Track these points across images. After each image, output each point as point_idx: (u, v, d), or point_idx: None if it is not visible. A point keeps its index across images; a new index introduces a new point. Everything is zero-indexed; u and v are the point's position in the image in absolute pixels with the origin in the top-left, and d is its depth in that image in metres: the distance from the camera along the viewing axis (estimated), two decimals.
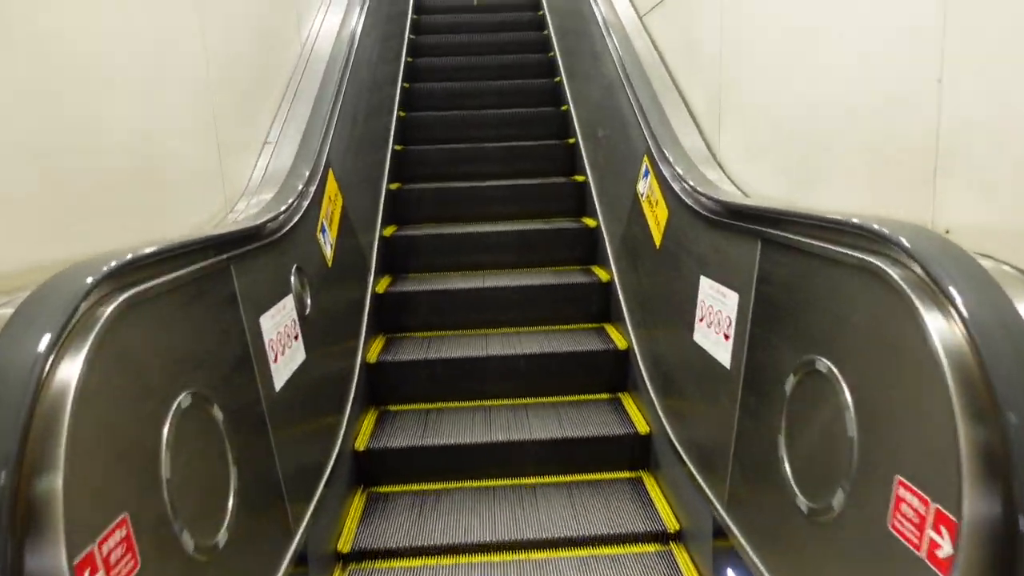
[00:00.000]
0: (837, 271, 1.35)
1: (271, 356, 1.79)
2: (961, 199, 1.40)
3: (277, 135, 2.58)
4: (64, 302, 0.97)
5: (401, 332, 3.55)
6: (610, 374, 3.23)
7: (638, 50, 3.24)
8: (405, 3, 5.70)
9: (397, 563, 2.42)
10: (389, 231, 3.85)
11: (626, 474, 2.87)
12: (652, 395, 2.75)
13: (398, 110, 4.67)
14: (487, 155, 4.45)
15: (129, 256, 1.15)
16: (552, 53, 5.37)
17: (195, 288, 1.42)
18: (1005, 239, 1.27)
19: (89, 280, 1.03)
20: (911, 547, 1.07)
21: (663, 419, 2.60)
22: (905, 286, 1.10)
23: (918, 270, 1.11)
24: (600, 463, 2.87)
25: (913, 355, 1.08)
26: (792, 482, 1.49)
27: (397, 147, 4.46)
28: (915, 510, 1.06)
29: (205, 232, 1.54)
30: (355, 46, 3.30)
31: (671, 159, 2.51)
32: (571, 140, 4.52)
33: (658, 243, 2.66)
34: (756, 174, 2.31)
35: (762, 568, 1.65)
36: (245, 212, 2.14)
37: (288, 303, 1.99)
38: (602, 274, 3.63)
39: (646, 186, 2.81)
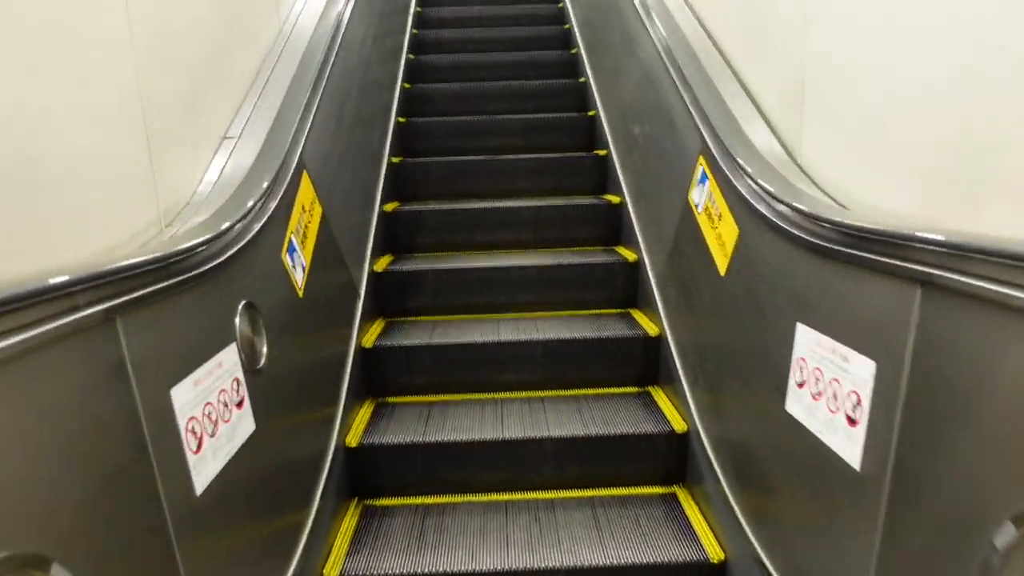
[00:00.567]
0: None
1: (189, 445, 1.23)
2: None
3: (241, 129, 2.02)
4: None
5: (403, 316, 3.16)
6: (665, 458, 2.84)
7: (683, 28, 2.69)
8: None
9: None
10: (391, 207, 3.45)
11: (659, 489, 2.50)
12: (724, 486, 2.11)
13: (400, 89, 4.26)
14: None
15: None
16: (576, 50, 4.79)
17: (36, 364, 0.88)
18: None
19: None
20: None
21: (748, 533, 1.92)
22: None
23: None
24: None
25: None
26: None
27: (400, 119, 4.05)
28: None
29: (65, 268, 0.94)
30: (346, 20, 2.85)
31: (743, 162, 1.89)
32: (602, 152, 3.83)
33: (723, 269, 2.04)
34: (864, 182, 1.65)
35: None
36: (187, 229, 1.55)
37: (227, 358, 1.42)
38: (650, 327, 2.91)
39: (703, 195, 2.22)
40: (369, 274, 2.97)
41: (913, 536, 1.14)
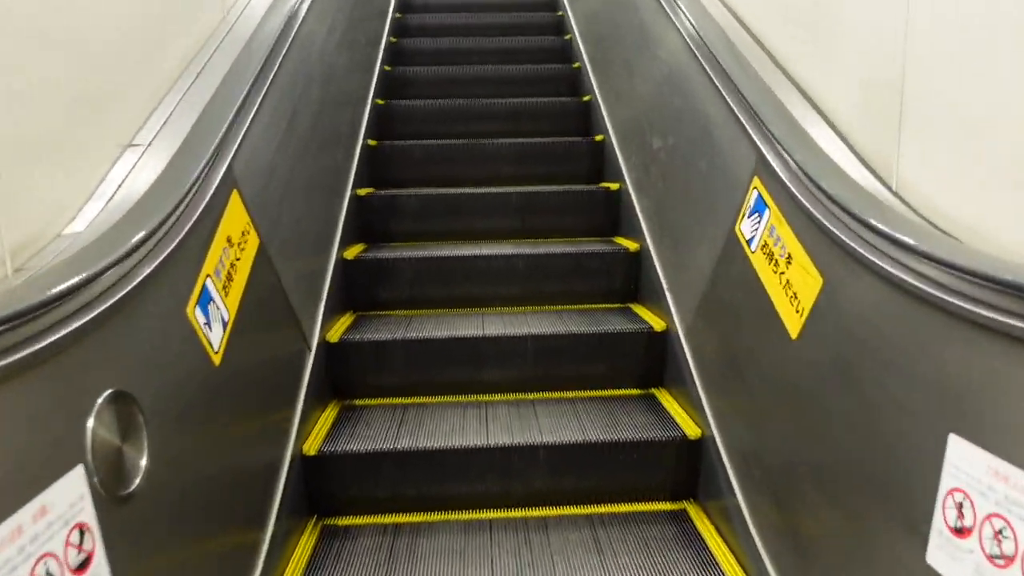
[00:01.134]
0: None
1: None
2: None
3: (154, 134, 1.53)
4: None
5: (375, 309, 2.81)
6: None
7: (716, 17, 2.24)
8: None
9: None
10: (364, 192, 3.10)
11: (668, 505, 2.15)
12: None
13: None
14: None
15: None
16: (569, 36, 4.48)
17: None
18: None
19: None
20: None
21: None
22: None
23: None
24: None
25: None
26: None
27: (379, 100, 3.71)
28: None
29: None
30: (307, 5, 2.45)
31: (833, 191, 1.38)
32: (613, 186, 3.19)
33: (794, 330, 1.51)
34: (1002, 219, 1.15)
35: None
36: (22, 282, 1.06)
37: (62, 495, 0.88)
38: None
39: (759, 229, 1.71)
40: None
41: None
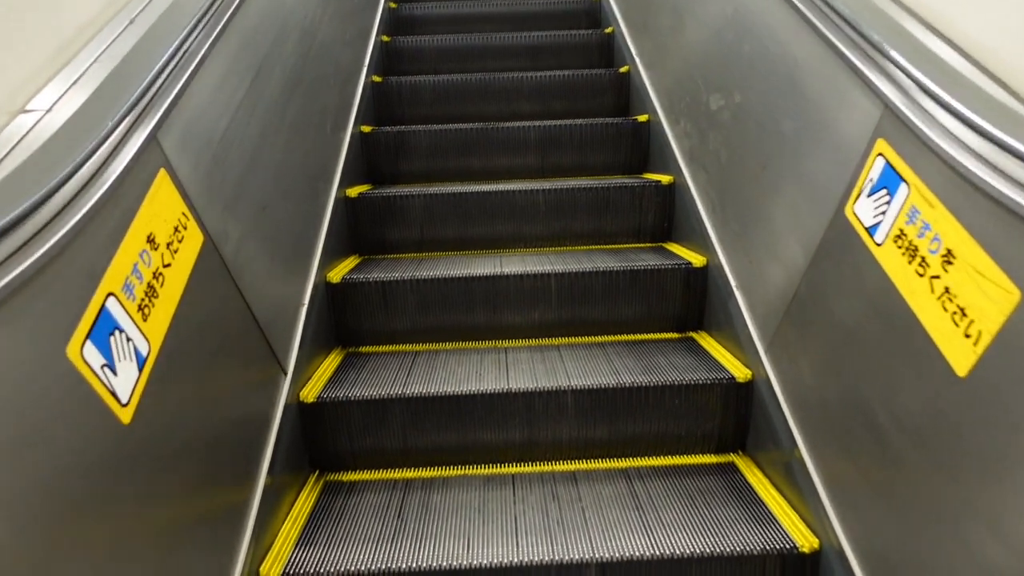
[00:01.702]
0: None
1: None
2: None
3: (60, 94, 1.14)
4: None
5: (383, 252, 2.57)
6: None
7: None
8: None
9: None
10: (368, 129, 2.84)
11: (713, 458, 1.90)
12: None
13: None
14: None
15: None
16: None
17: None
18: None
19: None
20: None
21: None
22: None
23: None
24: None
25: None
26: None
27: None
28: None
29: None
30: None
31: None
32: (665, 176, 2.55)
33: (962, 364, 1.04)
34: None
35: None
36: None
37: None
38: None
39: (891, 213, 1.25)
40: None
41: None
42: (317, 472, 1.89)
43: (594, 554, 1.50)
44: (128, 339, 1.04)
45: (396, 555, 1.52)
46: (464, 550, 1.53)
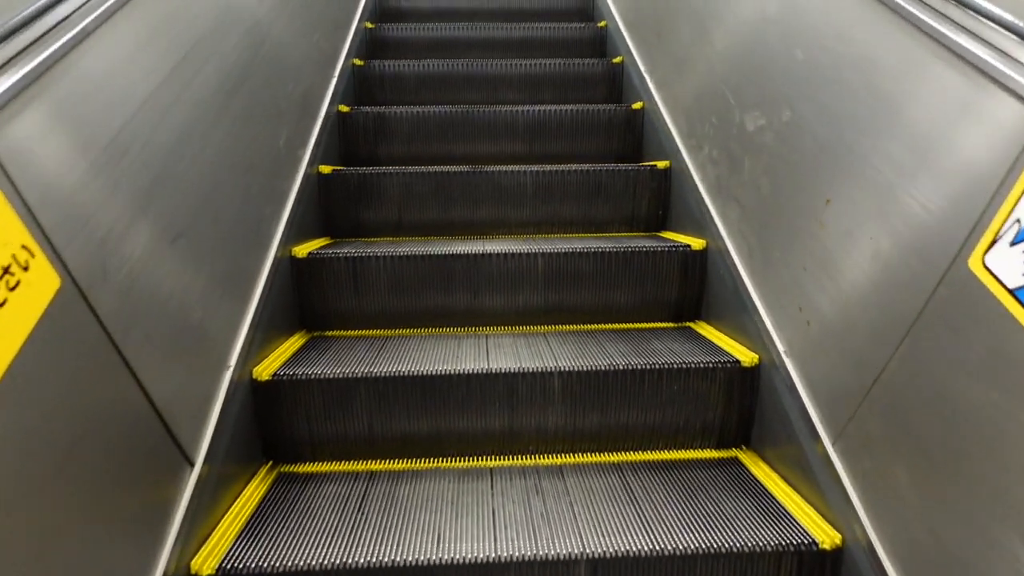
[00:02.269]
0: None
1: None
2: None
3: None
4: None
5: (355, 235, 2.38)
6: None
7: None
8: None
9: None
10: (345, 109, 2.66)
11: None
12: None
13: None
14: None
15: None
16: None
17: None
18: None
19: None
20: None
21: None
22: None
23: None
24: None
25: None
26: None
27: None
28: None
29: None
30: None
31: None
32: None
33: None
34: None
35: None
36: None
37: None
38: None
39: None
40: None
41: None
42: (271, 463, 1.67)
43: (584, 549, 1.29)
44: None
45: (353, 549, 1.31)
46: (434, 544, 1.32)
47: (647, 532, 1.35)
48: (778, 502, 1.46)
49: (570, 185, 2.35)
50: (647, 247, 2.02)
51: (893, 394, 1.18)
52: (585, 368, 1.65)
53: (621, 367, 1.66)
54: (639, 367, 1.66)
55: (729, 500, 1.47)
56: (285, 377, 1.62)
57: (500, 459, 1.68)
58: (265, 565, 1.26)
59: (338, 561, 1.27)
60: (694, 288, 2.05)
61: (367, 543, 1.33)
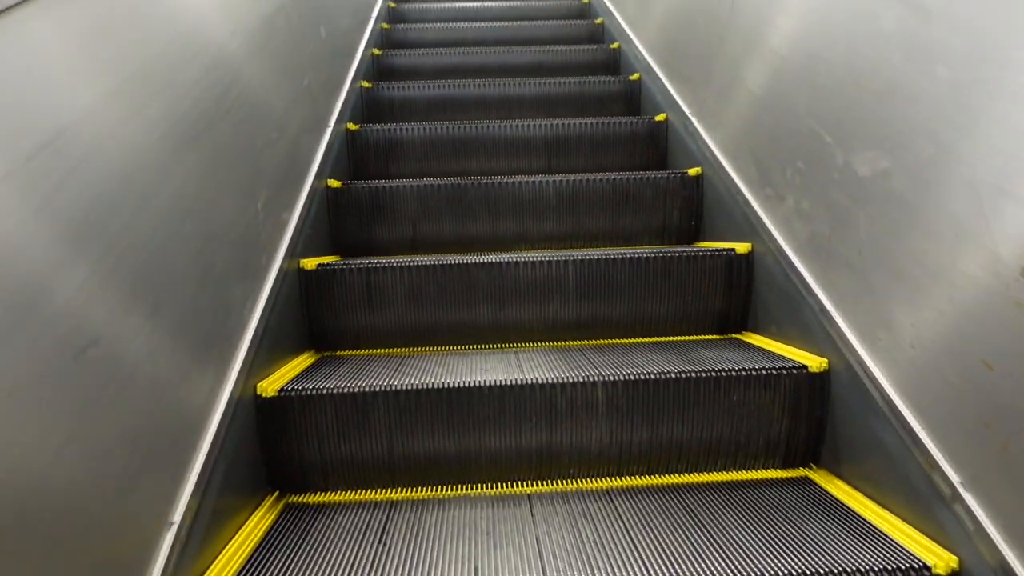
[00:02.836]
0: None
1: None
2: None
3: None
4: None
5: (368, 253, 2.21)
6: None
7: None
8: None
9: None
10: (354, 127, 2.52)
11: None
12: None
13: None
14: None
15: None
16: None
17: None
18: None
19: None
20: None
21: None
22: None
23: None
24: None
25: None
26: None
27: None
28: None
29: None
30: None
31: None
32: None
33: None
34: None
35: None
36: None
37: None
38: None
39: None
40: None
41: None
42: (277, 493, 1.46)
43: None
44: None
45: None
46: None
47: (723, 559, 1.14)
48: (867, 521, 1.25)
49: (595, 195, 2.19)
50: (687, 252, 1.85)
51: None
52: (632, 377, 1.46)
53: (673, 375, 1.47)
54: (692, 375, 1.47)
55: (810, 521, 1.26)
56: (293, 393, 1.43)
57: (539, 484, 1.48)
58: None
59: None
60: (740, 296, 1.87)
61: None
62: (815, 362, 1.48)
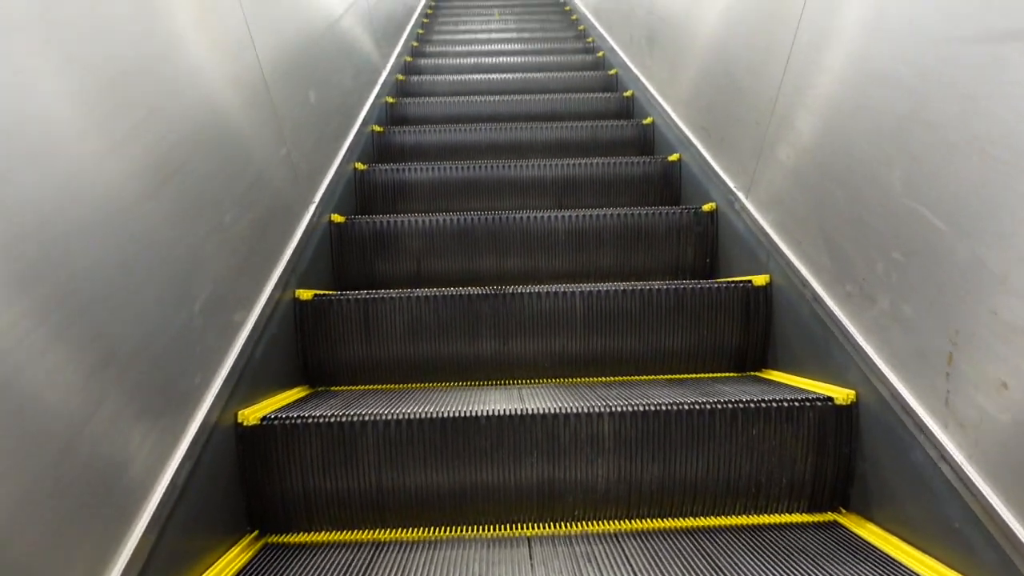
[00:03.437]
0: None
1: None
2: None
3: None
4: None
5: (370, 285, 2.13)
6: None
7: None
8: None
9: None
10: (361, 167, 2.49)
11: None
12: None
13: None
14: None
15: None
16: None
17: None
18: None
19: None
20: None
21: None
22: None
23: None
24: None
25: None
26: None
27: None
28: None
29: None
30: None
31: None
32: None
33: None
34: None
35: None
36: None
37: None
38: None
39: None
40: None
41: None
42: (256, 532, 1.35)
43: None
44: None
45: None
46: None
47: None
48: (907, 568, 1.11)
49: (605, 231, 2.11)
50: (701, 285, 1.76)
51: None
52: (641, 409, 1.35)
53: (686, 407, 1.35)
54: (707, 407, 1.35)
55: (842, 567, 1.13)
56: (276, 422, 1.33)
57: (540, 527, 1.35)
58: None
59: None
60: (758, 331, 1.76)
61: None
62: (841, 394, 1.36)
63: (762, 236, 1.76)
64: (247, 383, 1.38)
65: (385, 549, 1.26)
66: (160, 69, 1.20)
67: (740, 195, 1.93)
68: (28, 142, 0.85)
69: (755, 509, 1.38)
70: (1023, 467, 0.95)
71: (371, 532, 1.34)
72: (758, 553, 1.19)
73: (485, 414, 1.34)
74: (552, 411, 1.35)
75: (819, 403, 1.36)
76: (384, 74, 3.42)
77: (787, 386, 1.54)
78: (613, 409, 1.35)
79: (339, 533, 1.35)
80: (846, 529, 1.29)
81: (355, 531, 1.35)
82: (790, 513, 1.38)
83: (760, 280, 1.75)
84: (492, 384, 1.73)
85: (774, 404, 1.36)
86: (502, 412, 1.34)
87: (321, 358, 1.75)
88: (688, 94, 2.50)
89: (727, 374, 1.78)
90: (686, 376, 1.76)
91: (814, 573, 1.11)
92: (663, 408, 1.35)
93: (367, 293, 1.75)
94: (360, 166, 2.52)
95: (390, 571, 1.17)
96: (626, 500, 1.36)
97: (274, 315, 1.56)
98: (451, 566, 1.18)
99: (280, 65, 1.78)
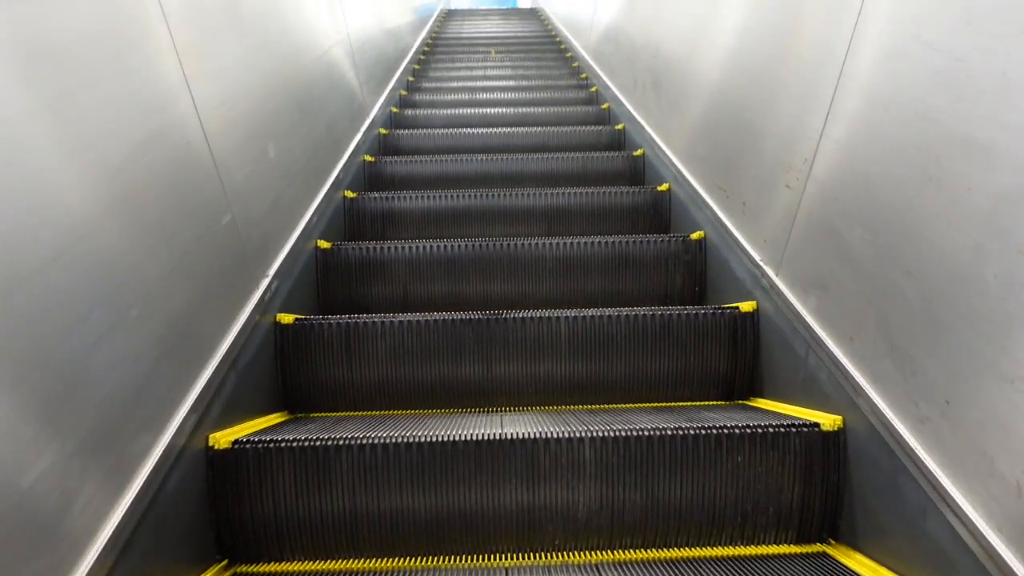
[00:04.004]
0: None
1: None
2: None
3: None
4: None
5: (360, 308, 2.11)
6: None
7: None
8: None
9: None
10: (351, 194, 2.49)
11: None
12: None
13: None
14: None
15: None
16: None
17: None
18: None
19: None
20: None
21: None
22: None
23: None
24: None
25: None
26: None
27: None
28: None
29: None
30: None
31: None
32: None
33: None
34: None
35: None
36: None
37: None
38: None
39: None
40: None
41: None
42: (226, 561, 1.31)
43: None
44: None
45: None
46: None
47: None
48: None
49: (594, 258, 2.10)
50: (687, 311, 1.73)
51: None
52: (623, 434, 1.32)
53: (669, 432, 1.32)
54: (691, 432, 1.32)
55: None
56: (249, 445, 1.30)
57: (518, 556, 1.31)
58: None
59: None
60: (746, 359, 1.74)
61: None
62: (828, 420, 1.33)
63: (802, 328, 1.45)
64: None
65: None
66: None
67: (768, 269, 1.65)
68: None
69: (741, 540, 1.34)
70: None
71: (344, 562, 1.30)
72: None
73: (464, 439, 1.31)
74: (532, 436, 1.31)
75: (805, 429, 1.33)
76: (367, 121, 3.25)
77: (774, 413, 1.50)
78: (595, 434, 1.32)
79: (311, 563, 1.30)
80: (835, 560, 1.25)
81: (328, 560, 1.30)
82: (777, 544, 1.34)
83: (747, 307, 1.73)
84: (476, 411, 1.70)
85: (759, 430, 1.33)
86: (481, 437, 1.31)
87: (301, 383, 1.72)
88: (715, 164, 2.08)
89: (714, 402, 1.75)
90: (673, 404, 1.73)
91: None
92: (645, 433, 1.32)
93: (349, 317, 1.72)
94: (349, 193, 2.52)
95: None
96: (608, 529, 1.32)
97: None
98: None
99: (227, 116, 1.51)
